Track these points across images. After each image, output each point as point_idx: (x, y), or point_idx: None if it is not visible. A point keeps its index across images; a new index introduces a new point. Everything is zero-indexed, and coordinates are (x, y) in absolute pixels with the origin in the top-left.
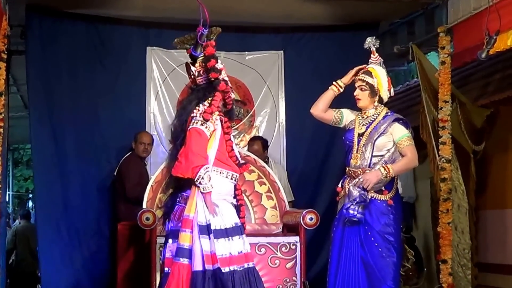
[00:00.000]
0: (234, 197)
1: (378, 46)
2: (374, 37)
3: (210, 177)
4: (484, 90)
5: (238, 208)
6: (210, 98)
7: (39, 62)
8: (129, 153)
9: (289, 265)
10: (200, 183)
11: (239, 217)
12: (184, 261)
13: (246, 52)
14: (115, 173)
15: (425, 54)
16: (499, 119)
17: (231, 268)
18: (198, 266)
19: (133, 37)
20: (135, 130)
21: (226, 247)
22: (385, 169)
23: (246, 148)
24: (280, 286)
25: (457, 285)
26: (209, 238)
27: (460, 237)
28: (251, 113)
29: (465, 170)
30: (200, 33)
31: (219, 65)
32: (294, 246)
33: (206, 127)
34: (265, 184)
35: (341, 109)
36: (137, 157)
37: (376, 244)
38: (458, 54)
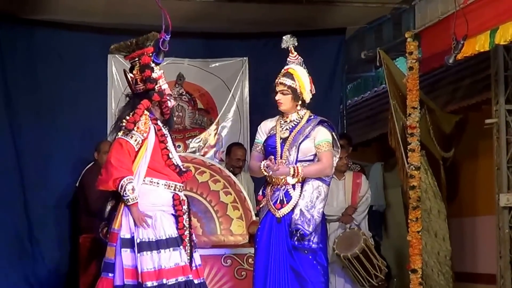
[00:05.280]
0: (173, 207)
1: (296, 44)
2: (292, 35)
3: (133, 189)
4: (453, 96)
5: (177, 218)
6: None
7: None
8: (91, 163)
9: None
10: (123, 195)
11: (178, 228)
12: (109, 275)
13: (210, 59)
14: (77, 184)
15: (393, 60)
16: (468, 125)
17: (159, 282)
18: (118, 281)
19: (93, 44)
20: (97, 139)
21: (153, 260)
22: (294, 169)
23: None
24: None
25: None
26: (133, 252)
27: (441, 244)
28: (215, 121)
29: (436, 177)
30: (162, 39)
31: (155, 74)
32: None
33: (132, 137)
34: (231, 194)
35: (257, 138)
36: (100, 167)
37: (305, 252)
38: (426, 59)
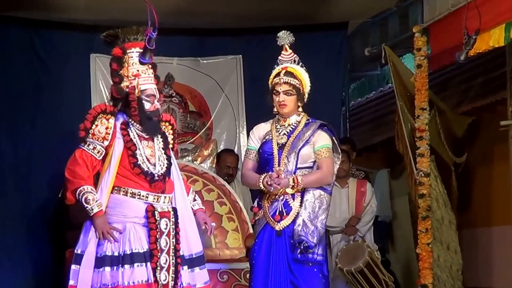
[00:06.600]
0: (146, 219)
1: (293, 41)
2: (288, 31)
3: (94, 199)
4: (465, 96)
5: (149, 232)
6: None
7: None
8: None
9: None
10: (84, 207)
11: (150, 243)
12: None
13: (201, 58)
14: (59, 195)
15: (399, 57)
16: (482, 127)
17: None
18: None
19: (75, 42)
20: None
21: (112, 276)
22: (293, 180)
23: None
24: None
25: None
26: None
27: (453, 257)
28: (208, 125)
29: (446, 185)
30: (148, 36)
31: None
32: None
33: (89, 145)
34: (226, 205)
35: (249, 144)
36: None
37: (310, 264)
38: (436, 56)
